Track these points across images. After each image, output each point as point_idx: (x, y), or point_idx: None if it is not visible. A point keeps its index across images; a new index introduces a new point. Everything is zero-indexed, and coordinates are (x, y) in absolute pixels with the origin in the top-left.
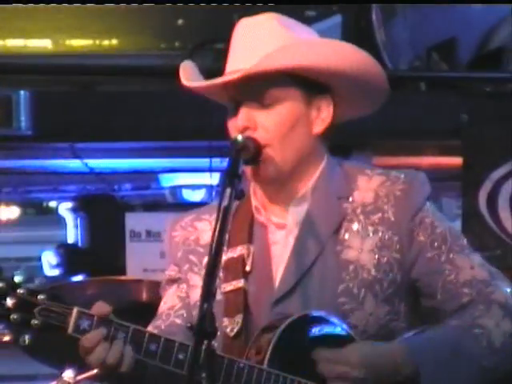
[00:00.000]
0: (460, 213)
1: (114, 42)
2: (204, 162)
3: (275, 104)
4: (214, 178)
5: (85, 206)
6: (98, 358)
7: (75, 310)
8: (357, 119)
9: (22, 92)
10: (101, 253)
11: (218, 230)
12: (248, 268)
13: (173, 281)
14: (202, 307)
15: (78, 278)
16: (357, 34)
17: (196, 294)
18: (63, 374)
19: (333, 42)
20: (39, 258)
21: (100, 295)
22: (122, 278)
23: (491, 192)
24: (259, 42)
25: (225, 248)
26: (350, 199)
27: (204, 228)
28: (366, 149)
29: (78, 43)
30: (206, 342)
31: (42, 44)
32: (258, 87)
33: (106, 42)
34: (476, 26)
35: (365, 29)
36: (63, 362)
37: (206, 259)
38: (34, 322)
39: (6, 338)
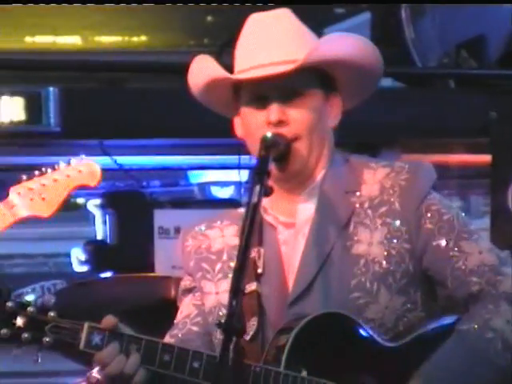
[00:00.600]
0: (488, 210)
1: (143, 38)
2: (233, 158)
3: (303, 99)
4: (243, 175)
5: (113, 202)
6: (115, 370)
7: (86, 326)
8: (385, 117)
9: (51, 88)
10: (129, 249)
11: (246, 226)
12: (260, 270)
13: (188, 290)
14: (231, 304)
15: (107, 274)
16: (386, 31)
17: (210, 301)
18: (92, 370)
19: (352, 35)
20: (67, 255)
21: (128, 292)
22: (151, 274)
23: None
24: (290, 35)
25: (235, 253)
26: (358, 193)
27: (215, 235)
28: (394, 146)
29: (107, 40)
30: (234, 338)
31: (71, 41)
32: (289, 82)
33: (134, 39)
34: (505, 24)
35: (394, 26)
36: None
37: (218, 266)
38: (46, 339)
39: None
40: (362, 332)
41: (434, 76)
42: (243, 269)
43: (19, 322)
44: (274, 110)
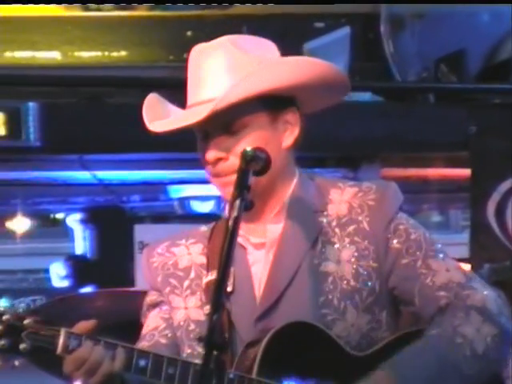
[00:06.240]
0: (467, 225)
1: (123, 53)
2: None
3: (243, 129)
4: None
5: (93, 217)
6: (106, 368)
7: (63, 331)
8: (365, 132)
9: (30, 104)
10: (109, 264)
11: (227, 241)
12: (229, 289)
13: (154, 305)
14: (212, 319)
15: (87, 289)
16: (365, 45)
17: (179, 315)
18: None
19: (291, 59)
20: (47, 270)
21: (109, 307)
22: (131, 289)
23: (499, 203)
24: (219, 71)
25: (205, 272)
26: (325, 213)
27: (181, 253)
28: (374, 161)
29: (87, 55)
30: (215, 353)
31: (51, 56)
32: (225, 117)
33: (114, 54)
34: (485, 38)
35: (373, 41)
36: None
37: (186, 282)
38: (23, 346)
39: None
40: (329, 340)
41: (414, 90)
42: (224, 283)
43: None
44: (211, 149)
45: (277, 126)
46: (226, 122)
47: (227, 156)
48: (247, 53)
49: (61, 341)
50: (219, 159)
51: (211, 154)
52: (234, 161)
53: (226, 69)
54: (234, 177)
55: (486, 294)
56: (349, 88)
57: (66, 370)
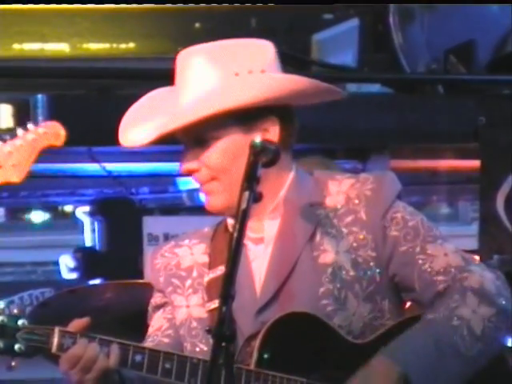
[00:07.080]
0: (476, 216)
1: (131, 45)
2: None
3: (214, 141)
4: None
5: (102, 209)
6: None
7: (57, 330)
8: (374, 123)
9: (39, 96)
10: (118, 256)
11: (236, 233)
12: None
13: (158, 307)
14: (221, 310)
15: (96, 281)
16: (374, 37)
17: (181, 314)
18: None
19: (259, 77)
20: (56, 263)
21: (117, 298)
22: (140, 281)
23: (509, 195)
24: (187, 84)
25: (207, 270)
26: (323, 205)
27: (184, 253)
28: (383, 152)
29: (95, 47)
30: (224, 344)
31: (59, 48)
32: (195, 129)
33: (123, 46)
34: (494, 29)
35: (382, 32)
36: None
37: (188, 282)
38: (18, 346)
39: None
40: (328, 328)
41: (423, 81)
42: (233, 275)
43: None
44: (184, 160)
45: (253, 133)
46: (196, 134)
47: (199, 167)
48: (220, 66)
49: (55, 340)
50: (191, 171)
51: (183, 166)
52: (205, 171)
53: (194, 82)
54: (211, 185)
55: (484, 275)
56: (337, 92)
57: (62, 369)
